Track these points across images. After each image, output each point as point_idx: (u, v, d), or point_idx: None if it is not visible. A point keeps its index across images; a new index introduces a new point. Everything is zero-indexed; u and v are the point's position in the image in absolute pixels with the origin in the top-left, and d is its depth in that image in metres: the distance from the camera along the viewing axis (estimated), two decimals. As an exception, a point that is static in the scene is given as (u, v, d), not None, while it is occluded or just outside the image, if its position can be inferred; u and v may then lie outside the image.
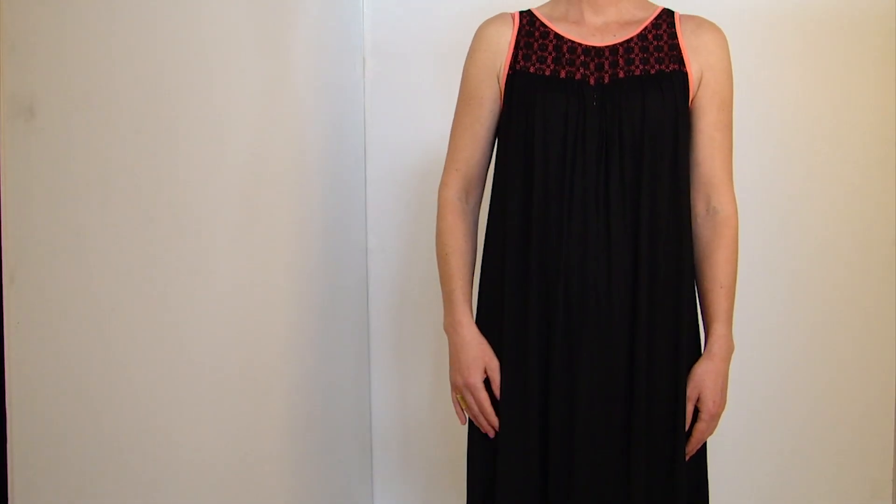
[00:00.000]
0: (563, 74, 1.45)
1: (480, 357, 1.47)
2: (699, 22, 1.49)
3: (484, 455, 1.50)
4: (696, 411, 1.45)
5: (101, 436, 1.11)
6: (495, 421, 1.46)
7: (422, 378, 2.27)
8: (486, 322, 1.51)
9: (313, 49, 1.90)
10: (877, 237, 2.07)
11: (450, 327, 1.51)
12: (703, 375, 1.44)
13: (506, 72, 1.48)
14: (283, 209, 1.71)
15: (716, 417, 1.45)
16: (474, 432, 1.52)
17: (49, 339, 1.02)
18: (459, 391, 1.49)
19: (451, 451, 2.24)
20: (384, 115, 2.20)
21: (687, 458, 1.45)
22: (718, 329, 1.46)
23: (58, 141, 1.03)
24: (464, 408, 1.51)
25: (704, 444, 1.50)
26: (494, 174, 1.54)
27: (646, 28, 1.47)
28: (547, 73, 1.45)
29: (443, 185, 1.56)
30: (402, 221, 2.24)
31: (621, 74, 1.44)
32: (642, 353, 1.41)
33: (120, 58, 1.15)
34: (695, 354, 1.49)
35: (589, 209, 1.41)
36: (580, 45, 1.46)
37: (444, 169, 1.56)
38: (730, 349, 1.47)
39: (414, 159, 2.19)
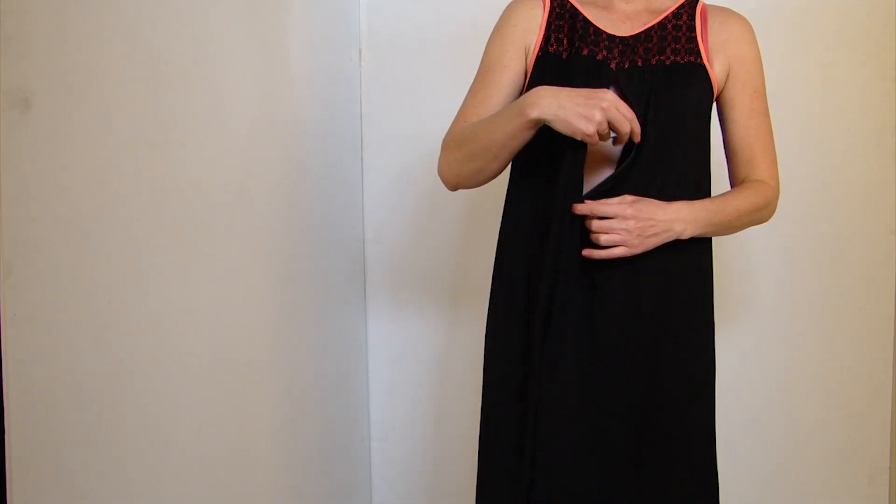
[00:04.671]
0: (585, 52, 1.42)
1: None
2: (727, 14, 1.47)
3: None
4: None
5: (97, 428, 1.12)
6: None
7: (421, 370, 2.27)
8: (501, 315, 1.47)
9: (309, 40, 1.89)
10: (876, 228, 2.07)
11: (534, 97, 1.31)
12: None
13: (535, 52, 1.44)
14: (279, 200, 1.71)
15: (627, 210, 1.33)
16: (487, 431, 1.50)
17: (45, 331, 1.02)
18: (599, 125, 1.29)
19: (450, 444, 2.24)
20: (381, 107, 2.20)
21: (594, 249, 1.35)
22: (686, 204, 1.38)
23: (53, 133, 1.03)
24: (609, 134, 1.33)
25: (713, 435, 1.47)
26: (512, 163, 1.49)
27: (666, 17, 1.45)
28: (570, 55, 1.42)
29: (447, 133, 1.48)
30: (399, 212, 2.24)
31: (640, 63, 1.41)
32: (647, 341, 1.39)
33: (116, 50, 1.15)
34: (710, 350, 1.47)
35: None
36: (604, 32, 1.44)
37: (452, 124, 1.49)
38: (685, 221, 1.36)
39: (411, 150, 2.18)
